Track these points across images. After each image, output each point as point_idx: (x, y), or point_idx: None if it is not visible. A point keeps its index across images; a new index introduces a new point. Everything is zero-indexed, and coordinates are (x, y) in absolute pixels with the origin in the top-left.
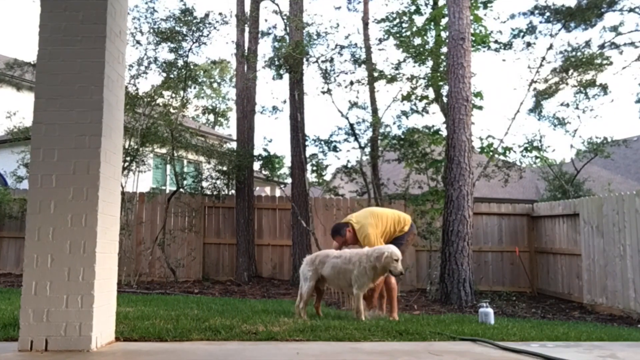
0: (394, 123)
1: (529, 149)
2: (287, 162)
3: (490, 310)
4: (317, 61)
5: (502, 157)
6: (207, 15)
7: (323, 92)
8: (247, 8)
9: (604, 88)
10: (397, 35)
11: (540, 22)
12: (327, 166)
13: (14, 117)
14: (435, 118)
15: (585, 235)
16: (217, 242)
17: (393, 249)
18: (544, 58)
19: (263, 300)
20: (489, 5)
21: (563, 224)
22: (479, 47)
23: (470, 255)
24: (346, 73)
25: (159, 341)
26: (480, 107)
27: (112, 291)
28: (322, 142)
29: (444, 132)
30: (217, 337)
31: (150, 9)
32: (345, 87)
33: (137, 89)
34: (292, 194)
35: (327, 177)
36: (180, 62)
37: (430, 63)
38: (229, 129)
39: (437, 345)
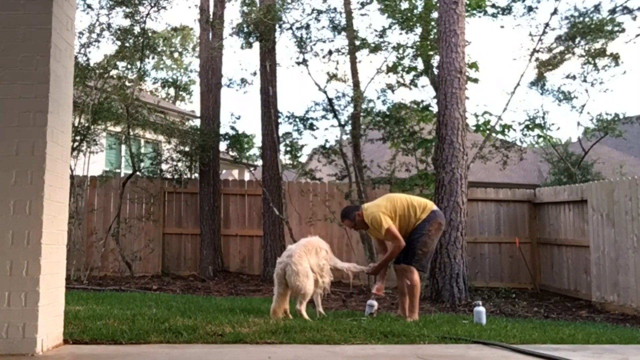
0: (378, 98)
1: (530, 126)
2: (258, 141)
3: (482, 309)
4: (291, 28)
5: (500, 136)
6: None
7: (298, 63)
8: None
9: (615, 58)
10: None
11: None
12: (302, 146)
13: None
14: (424, 92)
15: (594, 225)
16: (178, 232)
17: None
18: (547, 24)
19: (230, 298)
20: None
21: (569, 212)
22: (474, 12)
23: (464, 247)
24: (324, 41)
25: (112, 344)
26: (475, 80)
27: (60, 287)
28: (297, 120)
29: (435, 108)
30: (179, 340)
31: None
32: (323, 57)
33: (88, 60)
34: (263, 178)
35: (303, 159)
36: (136, 29)
37: (418, 30)
38: (192, 104)
39: (426, 349)
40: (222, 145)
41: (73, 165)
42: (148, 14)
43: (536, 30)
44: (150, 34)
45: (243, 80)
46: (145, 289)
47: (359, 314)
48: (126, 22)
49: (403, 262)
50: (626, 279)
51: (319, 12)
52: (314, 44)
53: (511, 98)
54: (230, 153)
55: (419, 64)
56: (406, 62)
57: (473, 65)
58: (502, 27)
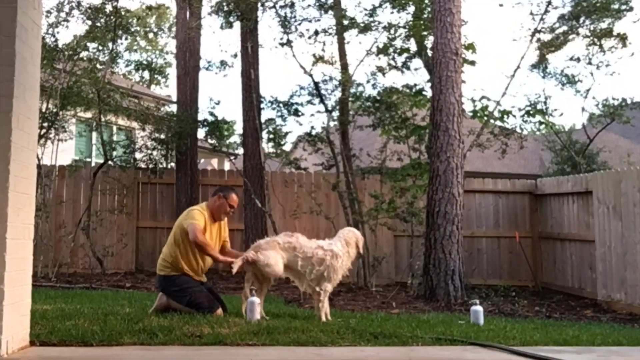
0: (368, 81)
1: (531, 112)
2: (238, 128)
3: (480, 308)
4: (274, 6)
5: (498, 123)
6: None
7: (282, 44)
8: None
9: (623, 39)
10: None
11: None
12: (286, 134)
13: None
14: (417, 75)
15: (599, 218)
16: (153, 225)
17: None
18: (549, 2)
19: None
20: None
21: (573, 204)
22: None
23: (461, 242)
24: (310, 21)
25: (82, 346)
26: (472, 62)
27: (26, 285)
28: (281, 105)
29: (429, 93)
30: (154, 341)
31: None
32: (309, 37)
33: (56, 40)
34: (245, 168)
35: (287, 147)
36: (108, 8)
37: (411, 9)
38: (168, 88)
39: (419, 351)
40: (201, 133)
41: (40, 154)
42: None
43: (537, 9)
44: (123, 13)
45: (223, 63)
46: (117, 287)
47: (347, 313)
48: (97, 0)
49: None
50: (634, 276)
51: None
52: (299, 24)
53: (510, 82)
54: (209, 141)
55: (412, 45)
56: (398, 43)
57: (470, 47)
58: (501, 5)
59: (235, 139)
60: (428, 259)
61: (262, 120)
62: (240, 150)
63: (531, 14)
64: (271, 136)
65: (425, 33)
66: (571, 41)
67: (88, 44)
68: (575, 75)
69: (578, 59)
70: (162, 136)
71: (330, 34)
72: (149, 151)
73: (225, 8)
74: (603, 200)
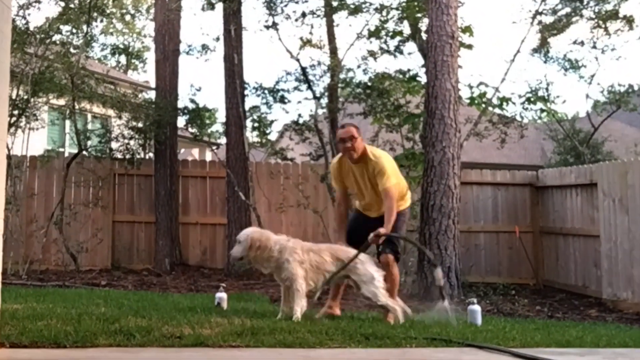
0: (359, 66)
1: (532, 99)
2: (221, 116)
3: (478, 308)
4: None
5: (497, 111)
6: None
7: (267, 27)
8: None
9: (629, 21)
10: None
11: None
12: (272, 122)
13: None
14: (411, 60)
15: (604, 212)
16: (130, 220)
17: None
18: None
19: (190, 295)
20: None
21: (576, 197)
22: None
23: (457, 237)
24: (297, 2)
25: (55, 347)
26: (469, 46)
27: None
28: (266, 91)
29: (423, 78)
30: (131, 343)
31: None
32: (296, 20)
33: (27, 23)
34: (227, 158)
35: (273, 136)
36: None
37: None
38: (146, 74)
39: (413, 353)
40: (181, 121)
41: (10, 144)
42: None
43: None
44: None
45: (204, 47)
46: (92, 285)
47: None
48: None
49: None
50: None
51: None
52: (285, 5)
53: (510, 67)
54: (190, 130)
55: (405, 28)
56: (390, 25)
57: (467, 30)
58: None
59: (218, 127)
60: (423, 256)
61: (246, 107)
62: (223, 140)
63: None
64: (256, 125)
65: (419, 15)
66: (574, 24)
67: (61, 26)
68: (578, 60)
69: (582, 43)
70: (140, 125)
71: (318, 16)
72: (126, 141)
73: None
74: (608, 192)
